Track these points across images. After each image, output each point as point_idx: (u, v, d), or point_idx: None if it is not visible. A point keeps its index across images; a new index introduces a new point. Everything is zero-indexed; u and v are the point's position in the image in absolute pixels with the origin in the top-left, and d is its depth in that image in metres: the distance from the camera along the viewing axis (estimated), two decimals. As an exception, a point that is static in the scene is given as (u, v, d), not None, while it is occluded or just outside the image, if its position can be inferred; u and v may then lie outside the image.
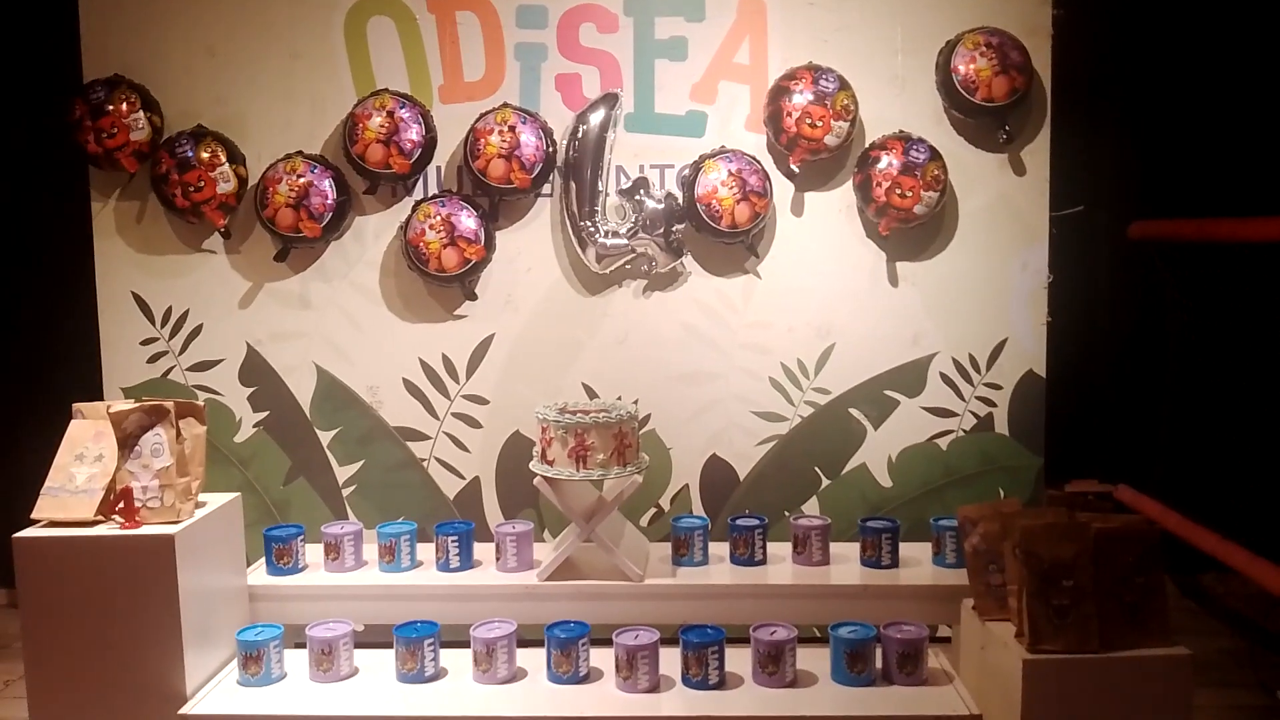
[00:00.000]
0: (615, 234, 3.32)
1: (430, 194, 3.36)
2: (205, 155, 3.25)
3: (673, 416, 3.44)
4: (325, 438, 3.48)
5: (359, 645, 2.67)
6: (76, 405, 2.67)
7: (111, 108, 3.20)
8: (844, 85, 3.23)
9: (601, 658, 2.53)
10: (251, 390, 3.46)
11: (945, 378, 3.44)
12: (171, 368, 3.46)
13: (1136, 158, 4.06)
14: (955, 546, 2.95)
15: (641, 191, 3.32)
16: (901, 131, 3.29)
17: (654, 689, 2.42)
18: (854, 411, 3.45)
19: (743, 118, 3.36)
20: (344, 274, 3.43)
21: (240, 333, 3.44)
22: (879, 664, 2.45)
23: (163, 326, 3.45)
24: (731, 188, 3.23)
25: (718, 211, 3.24)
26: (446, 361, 3.44)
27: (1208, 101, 3.98)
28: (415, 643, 2.49)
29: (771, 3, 3.31)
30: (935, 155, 3.25)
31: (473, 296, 3.40)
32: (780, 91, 3.24)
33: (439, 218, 3.26)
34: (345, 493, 3.49)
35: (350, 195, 3.36)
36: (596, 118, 3.27)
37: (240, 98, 3.35)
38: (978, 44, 3.21)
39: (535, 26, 3.32)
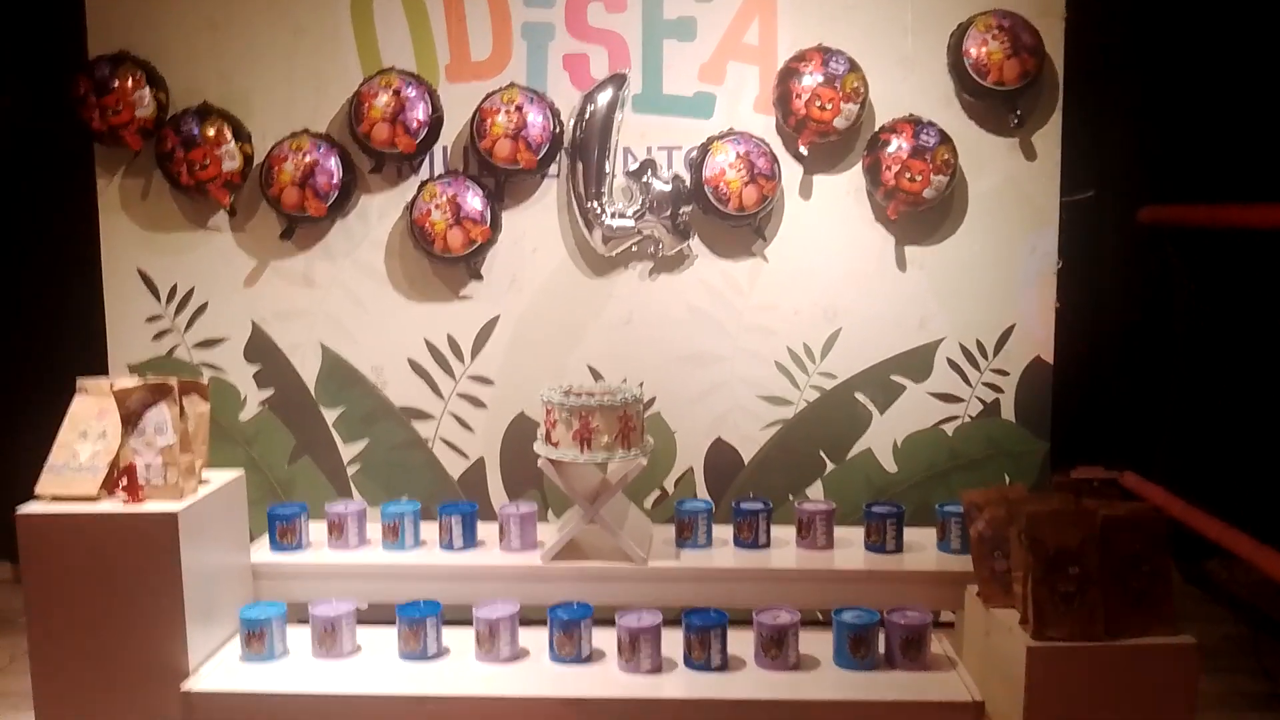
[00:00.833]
0: (622, 215, 3.30)
1: (436, 174, 3.34)
2: (210, 133, 3.24)
3: (678, 399, 3.43)
4: (330, 416, 3.47)
5: (361, 623, 2.68)
6: (80, 381, 2.67)
7: (116, 84, 3.19)
8: (854, 67, 3.20)
9: (604, 639, 2.53)
10: (256, 368, 3.46)
11: (952, 363, 3.42)
12: (176, 345, 3.45)
13: (1148, 143, 4.02)
14: (960, 532, 2.94)
15: (649, 173, 3.30)
16: (911, 114, 3.26)
17: (656, 671, 2.43)
18: (860, 396, 3.44)
19: (751, 99, 3.34)
20: (349, 253, 3.41)
21: (245, 311, 3.44)
22: (882, 649, 2.44)
23: (168, 304, 3.44)
24: (739, 170, 3.21)
25: (725, 194, 3.22)
26: (451, 342, 3.44)
27: (1220, 86, 3.95)
28: (418, 622, 2.49)
29: (781, -17, 3.28)
30: (945, 139, 3.22)
31: (478, 277, 3.39)
32: (789, 73, 3.22)
33: (444, 198, 3.24)
34: (350, 472, 3.49)
35: (356, 174, 3.34)
36: (604, 98, 3.25)
37: (245, 75, 3.33)
38: (990, 26, 3.18)
39: (543, 5, 3.30)
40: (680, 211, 3.30)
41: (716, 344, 3.42)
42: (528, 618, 2.68)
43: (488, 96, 3.24)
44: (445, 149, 3.36)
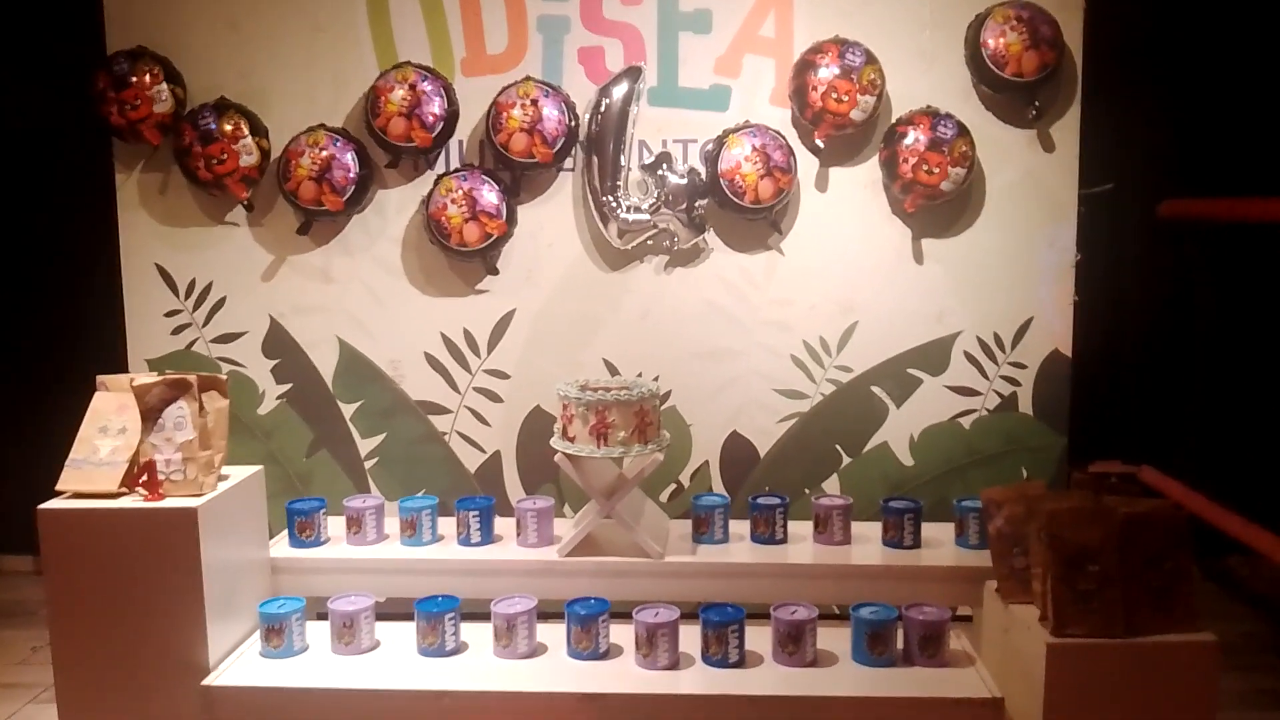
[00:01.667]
0: (637, 209, 3.30)
1: (452, 168, 3.34)
2: (228, 128, 3.25)
3: (693, 393, 3.43)
4: (347, 411, 3.49)
5: (379, 618, 2.69)
6: (100, 378, 2.69)
7: (134, 80, 3.20)
8: (871, 59, 3.19)
9: (621, 634, 2.53)
10: (274, 363, 3.48)
11: (969, 356, 3.41)
12: (195, 340, 3.47)
13: (1168, 135, 3.99)
14: (979, 528, 2.93)
15: (664, 166, 3.29)
16: (929, 107, 3.24)
17: (673, 666, 2.42)
18: (876, 390, 3.43)
19: (767, 92, 3.32)
20: (366, 248, 3.42)
21: (263, 306, 3.45)
22: (900, 645, 2.43)
23: (186, 299, 3.46)
24: (755, 163, 3.20)
25: (741, 187, 3.21)
26: (468, 336, 3.44)
27: (1241, 79, 3.91)
28: (436, 617, 2.50)
29: (798, -25, 3.26)
30: (963, 131, 3.20)
31: (494, 271, 3.39)
32: (806, 65, 3.20)
33: (460, 192, 3.24)
34: (367, 466, 3.50)
35: (372, 169, 3.35)
36: (619, 91, 3.24)
37: (262, 71, 3.34)
38: (1008, 18, 3.16)
39: (559, -2, 3.29)
40: (696, 205, 3.30)
41: (732, 338, 3.41)
42: (545, 612, 2.68)
43: (503, 90, 3.24)
44: (461, 143, 3.36)
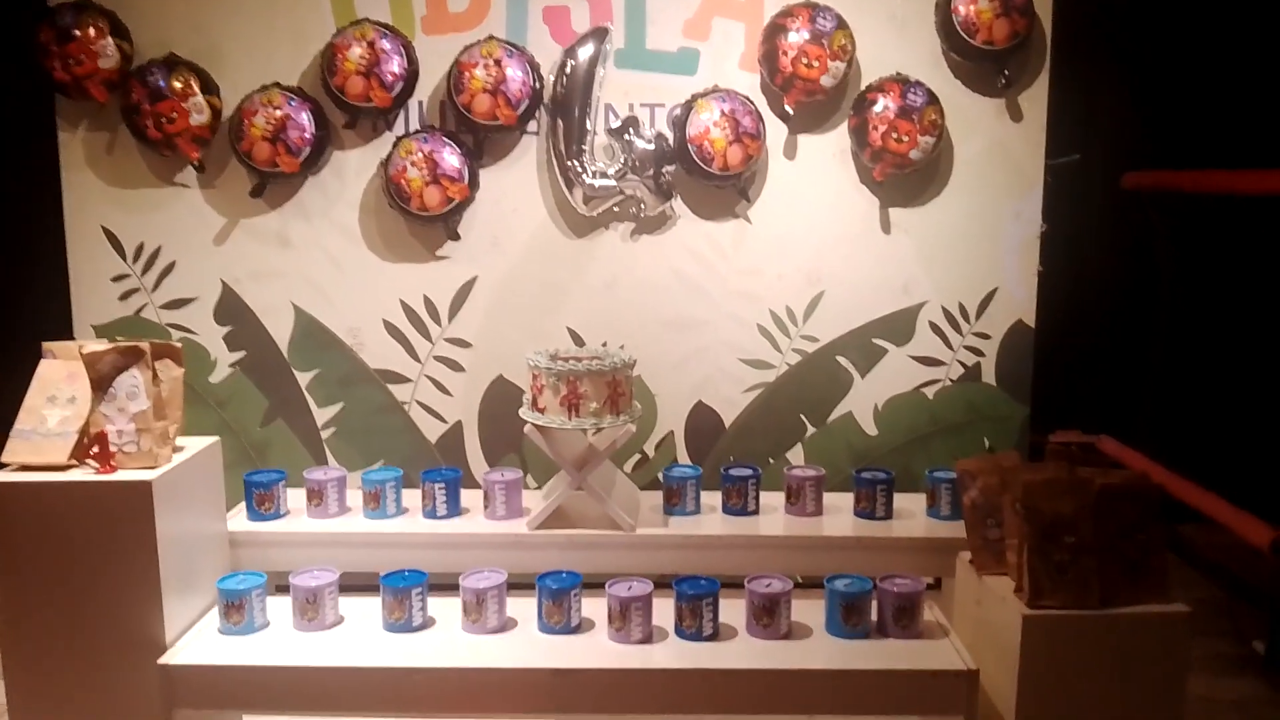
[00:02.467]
0: (603, 175, 3.24)
1: (412, 129, 3.25)
2: (178, 85, 3.12)
3: (659, 363, 3.39)
4: (304, 379, 3.40)
5: (343, 592, 2.62)
6: (47, 345, 2.57)
7: (79, 33, 3.06)
8: (842, 24, 3.14)
9: (593, 608, 2.49)
10: (227, 330, 3.38)
11: (934, 327, 3.41)
12: (144, 305, 3.36)
13: (1135, 106, 4.00)
14: (951, 499, 2.93)
15: (631, 131, 3.23)
16: (899, 74, 3.21)
17: (647, 640, 2.39)
18: (842, 360, 3.42)
19: (737, 56, 3.27)
20: (323, 211, 3.32)
21: (215, 270, 3.35)
22: (874, 617, 2.42)
23: (134, 263, 3.34)
24: (724, 129, 3.14)
25: (709, 153, 3.15)
26: (428, 303, 3.37)
27: (1210, 50, 3.92)
28: (403, 592, 2.43)
29: (768, -64, 3.20)
30: (933, 99, 3.18)
31: (456, 237, 3.31)
32: (776, 29, 3.14)
33: (421, 154, 3.15)
34: (324, 435, 3.42)
35: (329, 129, 3.25)
36: (585, 53, 3.17)
37: (214, 25, 3.22)
38: (980, -16, 3.12)
39: (523, -44, 3.20)
40: (663, 171, 3.24)
41: (699, 307, 3.38)
42: (514, 583, 2.63)
43: (466, 50, 3.14)
44: (422, 104, 3.27)
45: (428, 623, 2.49)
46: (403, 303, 3.36)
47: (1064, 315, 3.74)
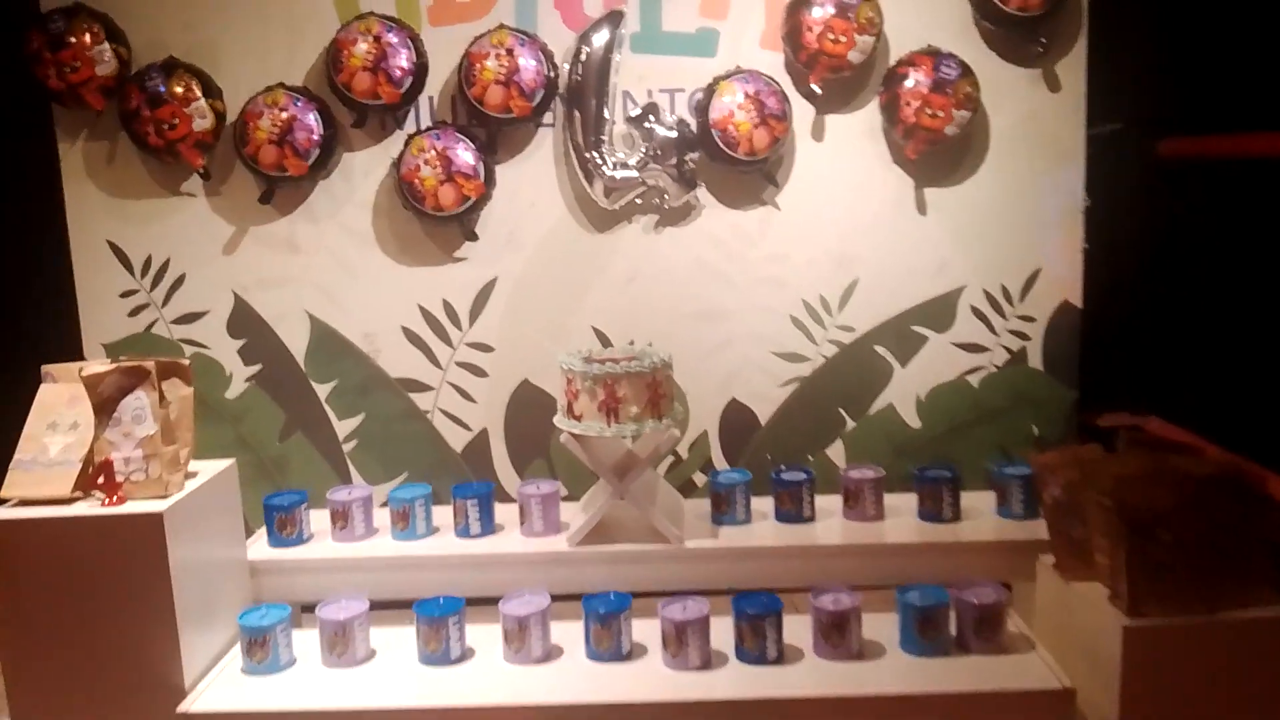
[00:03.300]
0: (624, 165, 3.10)
1: (423, 126, 3.12)
2: (178, 89, 3.00)
3: (688, 359, 3.24)
4: (322, 391, 3.28)
5: (375, 622, 2.45)
6: (46, 368, 2.42)
7: (73, 39, 2.95)
8: (868, -5, 2.99)
9: (643, 630, 2.30)
10: (241, 343, 3.26)
11: (976, 311, 3.26)
12: (155, 321, 3.25)
13: (1177, 70, 3.82)
14: (1023, 496, 2.73)
15: (651, 118, 3.08)
16: (930, 46, 3.05)
17: (705, 666, 2.17)
18: (880, 349, 3.27)
19: (757, 34, 3.12)
20: (334, 215, 3.20)
21: (226, 281, 3.23)
22: (952, 629, 2.23)
23: (143, 277, 3.23)
24: (748, 111, 3.00)
25: (734, 137, 3.01)
26: (447, 307, 3.24)
27: (1256, 8, 3.73)
28: (439, 621, 2.25)
29: (787, -93, 3.05)
30: (967, 71, 3.03)
31: (473, 237, 3.18)
32: (799, 4, 3.00)
33: (434, 152, 3.03)
34: (346, 448, 3.30)
35: (337, 129, 3.12)
36: (600, 38, 3.03)
37: (211, 24, 3.09)
38: (1013, -54, 2.97)
39: (531, -61, 3.06)
40: (686, 159, 3.10)
41: (727, 298, 3.24)
42: (556, 595, 2.46)
43: (475, 40, 3.01)
44: (432, 99, 3.14)
45: (466, 654, 2.31)
46: (421, 307, 3.24)
47: (1111, 293, 3.58)
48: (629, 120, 3.10)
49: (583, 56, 3.03)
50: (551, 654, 2.30)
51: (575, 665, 2.27)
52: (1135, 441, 2.18)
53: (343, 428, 3.29)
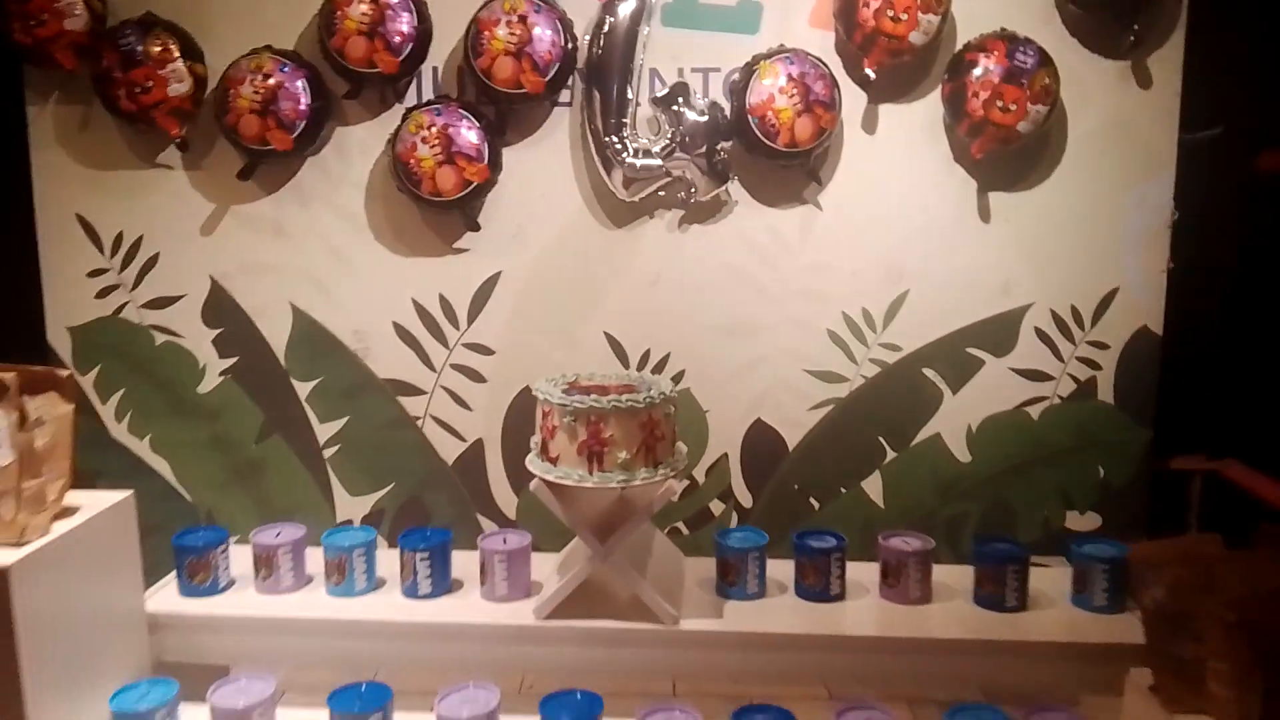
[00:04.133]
0: (647, 153, 2.79)
1: (424, 100, 2.83)
2: (155, 49, 2.72)
3: (711, 374, 2.95)
4: (303, 390, 3.00)
5: (289, 705, 2.04)
6: None
7: (39, -11, 2.67)
8: (934, -32, 2.65)
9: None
10: (217, 332, 2.99)
11: (1041, 334, 2.91)
12: (124, 304, 2.99)
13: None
14: (1108, 584, 2.36)
15: (680, 100, 2.78)
16: (1004, 30, 2.70)
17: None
18: (929, 372, 2.94)
19: (807, 10, 2.80)
20: (324, 196, 2.92)
21: (203, 264, 2.96)
22: None
23: (113, 255, 2.97)
24: (792, 96, 2.67)
25: (774, 126, 2.68)
26: (444, 303, 2.95)
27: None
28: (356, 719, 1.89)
29: None
30: (1046, 60, 2.68)
31: (476, 227, 2.89)
32: (854, -23, 2.66)
33: (434, 129, 2.72)
34: (327, 454, 3.02)
35: (329, 100, 2.84)
36: (626, 9, 2.73)
37: (198, -21, 2.81)
38: (1107, -82, 2.60)
39: (554, -106, 2.75)
40: (718, 148, 2.79)
41: (758, 309, 2.92)
42: (510, 700, 2.05)
43: (485, 5, 2.71)
44: (435, 70, 2.84)
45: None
46: (415, 302, 2.95)
47: (1196, 320, 3.20)
48: (655, 102, 2.79)
49: (606, 28, 2.73)
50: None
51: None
52: (1275, 537, 1.75)
53: (324, 431, 3.01)
